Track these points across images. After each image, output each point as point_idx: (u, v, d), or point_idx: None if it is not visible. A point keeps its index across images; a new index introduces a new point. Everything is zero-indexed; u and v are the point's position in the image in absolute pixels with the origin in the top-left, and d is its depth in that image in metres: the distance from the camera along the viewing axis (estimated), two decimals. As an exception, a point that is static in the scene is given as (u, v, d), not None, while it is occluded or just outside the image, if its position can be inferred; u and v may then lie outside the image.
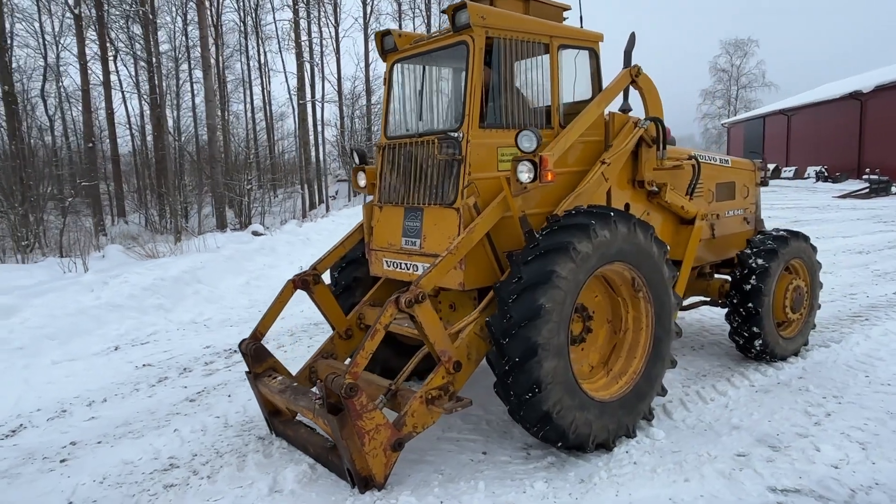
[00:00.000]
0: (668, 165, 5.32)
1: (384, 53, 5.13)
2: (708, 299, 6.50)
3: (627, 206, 5.38)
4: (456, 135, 4.40)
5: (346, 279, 5.58)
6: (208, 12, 26.94)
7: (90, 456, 4.59)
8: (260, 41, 37.39)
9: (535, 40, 4.67)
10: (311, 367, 5.00)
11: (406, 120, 5.14)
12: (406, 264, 4.80)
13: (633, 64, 5.48)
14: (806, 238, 6.17)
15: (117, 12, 27.98)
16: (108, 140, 29.71)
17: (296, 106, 32.77)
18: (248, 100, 38.78)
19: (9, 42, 25.82)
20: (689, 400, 5.17)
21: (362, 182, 5.31)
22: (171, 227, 22.16)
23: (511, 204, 4.31)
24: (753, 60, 65.10)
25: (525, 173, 4.15)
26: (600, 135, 5.14)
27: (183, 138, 33.41)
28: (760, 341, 5.81)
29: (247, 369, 4.83)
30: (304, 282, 5.00)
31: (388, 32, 5.04)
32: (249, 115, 38.38)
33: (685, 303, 6.57)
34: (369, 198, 5.38)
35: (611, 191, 5.22)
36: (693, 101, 70.51)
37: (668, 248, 4.67)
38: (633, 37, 6.69)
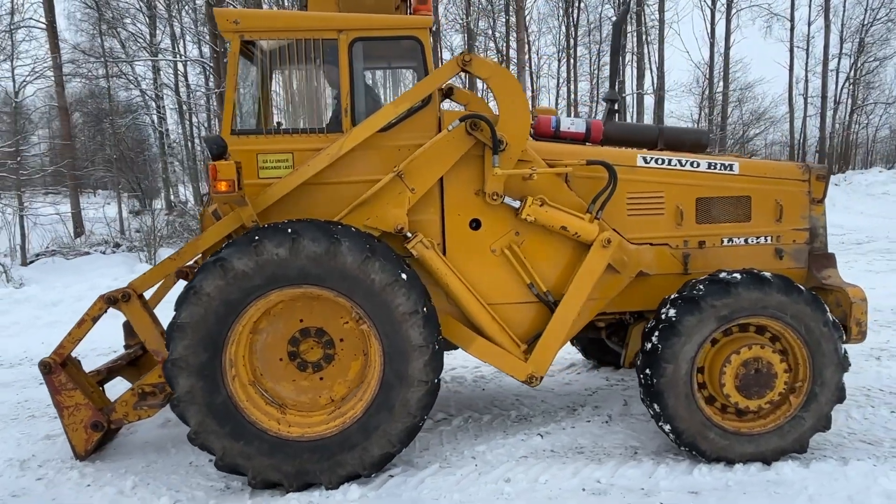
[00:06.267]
0: (500, 174, 4.18)
1: None
2: None
3: (476, 222, 4.42)
4: (218, 142, 4.41)
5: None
6: (526, 14, 28.15)
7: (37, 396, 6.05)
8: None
9: (315, 36, 4.26)
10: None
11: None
12: None
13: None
14: (792, 289, 3.90)
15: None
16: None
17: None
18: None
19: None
20: (484, 470, 4.03)
21: None
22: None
23: (241, 212, 4.14)
24: None
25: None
26: (430, 137, 4.35)
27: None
28: (669, 426, 4.04)
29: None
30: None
31: None
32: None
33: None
34: None
35: (444, 204, 4.39)
36: None
37: (404, 275, 3.78)
38: (626, 8, 5.28)
